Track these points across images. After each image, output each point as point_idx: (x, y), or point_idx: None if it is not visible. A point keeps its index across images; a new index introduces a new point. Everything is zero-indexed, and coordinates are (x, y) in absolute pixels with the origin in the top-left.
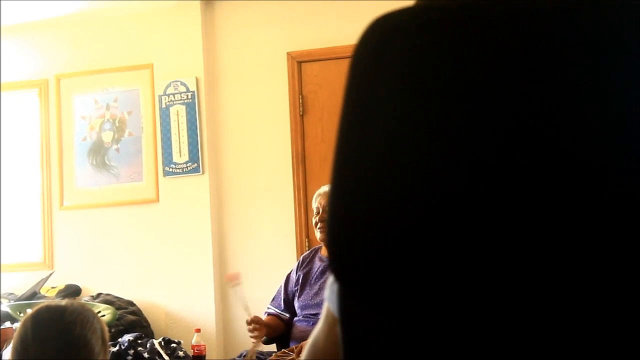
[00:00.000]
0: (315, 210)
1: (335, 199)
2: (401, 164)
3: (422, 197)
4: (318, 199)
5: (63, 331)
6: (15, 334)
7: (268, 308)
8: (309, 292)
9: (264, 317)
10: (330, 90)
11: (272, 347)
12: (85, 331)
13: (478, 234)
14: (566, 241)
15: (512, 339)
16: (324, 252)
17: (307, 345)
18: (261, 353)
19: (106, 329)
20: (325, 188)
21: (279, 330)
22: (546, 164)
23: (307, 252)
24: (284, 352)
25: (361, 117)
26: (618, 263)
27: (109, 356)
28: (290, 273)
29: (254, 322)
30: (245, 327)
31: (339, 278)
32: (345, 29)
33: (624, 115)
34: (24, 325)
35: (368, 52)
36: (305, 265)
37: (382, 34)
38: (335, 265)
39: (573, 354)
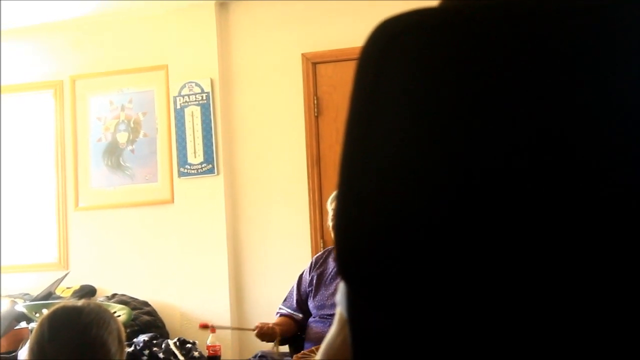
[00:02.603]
0: (332, 212)
1: (343, 202)
2: (407, 168)
3: (428, 201)
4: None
5: (80, 332)
6: (32, 335)
7: (280, 308)
8: (324, 292)
9: (276, 317)
10: (345, 91)
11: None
12: (102, 332)
13: (484, 239)
14: (570, 250)
15: (518, 343)
16: None
17: (322, 347)
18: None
19: (122, 329)
20: None
21: (292, 330)
22: (553, 169)
23: (320, 252)
24: (304, 354)
25: (367, 120)
26: (622, 265)
27: (125, 356)
28: (302, 273)
29: (259, 328)
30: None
31: (346, 280)
32: (360, 30)
33: (633, 117)
34: (40, 326)
35: (374, 54)
36: (318, 266)
37: (388, 36)
38: (343, 267)
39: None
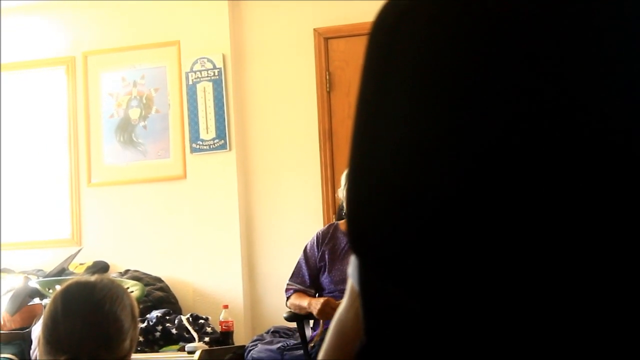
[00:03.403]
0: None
1: (354, 177)
2: (419, 141)
3: (440, 174)
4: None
5: (93, 307)
6: (45, 310)
7: (290, 285)
8: (340, 267)
9: (289, 294)
10: (357, 66)
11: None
12: (115, 307)
13: (497, 212)
14: (584, 225)
15: (530, 321)
16: (345, 227)
17: (333, 320)
18: (289, 329)
19: (136, 304)
20: None
21: None
22: (570, 151)
23: (324, 228)
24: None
25: (378, 95)
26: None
27: (138, 332)
28: (306, 250)
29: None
30: (272, 303)
31: (357, 253)
32: (372, 5)
33: None
34: (54, 301)
35: (385, 29)
36: (327, 241)
37: (399, 11)
38: (354, 241)
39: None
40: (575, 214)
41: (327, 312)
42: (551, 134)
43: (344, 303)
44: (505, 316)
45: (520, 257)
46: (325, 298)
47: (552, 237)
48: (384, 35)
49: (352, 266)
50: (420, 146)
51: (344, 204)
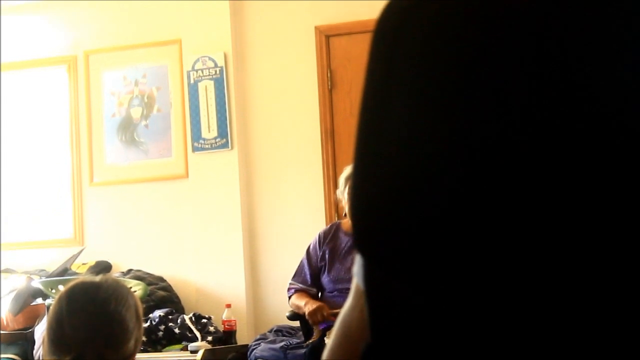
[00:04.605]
0: (346, 188)
1: (359, 173)
2: (423, 140)
3: (445, 172)
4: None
5: (98, 307)
6: (50, 310)
7: (292, 284)
8: (339, 267)
9: (290, 293)
10: (359, 64)
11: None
12: (120, 307)
13: (502, 209)
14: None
15: (536, 317)
16: (347, 227)
17: (338, 319)
18: (291, 328)
19: (140, 304)
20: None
21: None
22: (575, 153)
23: (327, 227)
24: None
25: (383, 94)
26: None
27: (143, 332)
28: (309, 249)
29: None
30: (275, 302)
31: (362, 251)
32: (374, 3)
33: None
34: (58, 302)
35: (389, 26)
36: (328, 240)
37: (403, 7)
38: (359, 238)
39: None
40: (579, 211)
41: (316, 317)
42: (557, 133)
43: (348, 302)
44: (511, 313)
45: (526, 252)
46: (320, 303)
47: (555, 232)
48: (387, 33)
49: (357, 265)
50: (426, 144)
51: (346, 204)
